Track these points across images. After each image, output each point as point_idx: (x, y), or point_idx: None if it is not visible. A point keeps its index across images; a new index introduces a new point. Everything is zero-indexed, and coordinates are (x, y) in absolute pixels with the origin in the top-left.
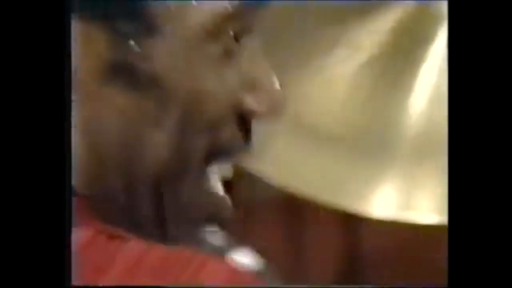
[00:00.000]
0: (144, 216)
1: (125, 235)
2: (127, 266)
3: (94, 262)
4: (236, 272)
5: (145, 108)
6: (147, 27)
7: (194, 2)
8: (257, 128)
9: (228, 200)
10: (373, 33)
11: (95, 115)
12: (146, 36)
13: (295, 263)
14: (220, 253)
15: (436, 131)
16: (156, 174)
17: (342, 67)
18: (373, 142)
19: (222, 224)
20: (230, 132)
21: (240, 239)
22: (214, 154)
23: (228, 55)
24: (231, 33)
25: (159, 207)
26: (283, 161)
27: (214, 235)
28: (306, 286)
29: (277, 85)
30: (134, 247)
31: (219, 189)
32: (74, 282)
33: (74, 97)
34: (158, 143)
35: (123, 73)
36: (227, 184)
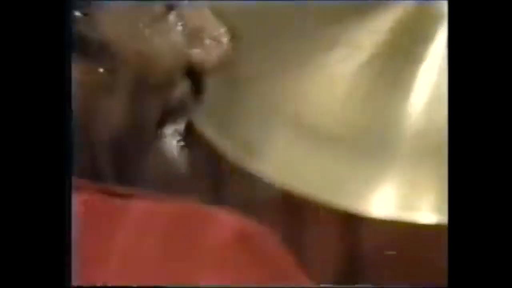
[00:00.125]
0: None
1: (126, 192)
2: (136, 223)
3: (98, 226)
4: (245, 225)
5: (97, 76)
6: None
7: None
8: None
9: (183, 161)
10: (373, 33)
11: None
12: (90, 4)
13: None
14: None
15: (436, 131)
16: (114, 140)
17: (342, 66)
18: (373, 142)
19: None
20: (181, 90)
21: None
22: (168, 114)
23: (170, 10)
24: None
25: (121, 172)
26: (283, 161)
27: None
28: (306, 286)
29: (224, 36)
30: (138, 204)
31: (174, 150)
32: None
33: None
34: (113, 110)
35: (75, 44)
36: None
